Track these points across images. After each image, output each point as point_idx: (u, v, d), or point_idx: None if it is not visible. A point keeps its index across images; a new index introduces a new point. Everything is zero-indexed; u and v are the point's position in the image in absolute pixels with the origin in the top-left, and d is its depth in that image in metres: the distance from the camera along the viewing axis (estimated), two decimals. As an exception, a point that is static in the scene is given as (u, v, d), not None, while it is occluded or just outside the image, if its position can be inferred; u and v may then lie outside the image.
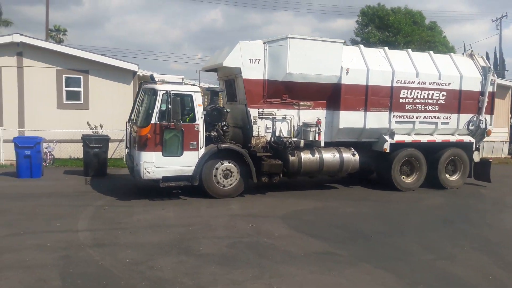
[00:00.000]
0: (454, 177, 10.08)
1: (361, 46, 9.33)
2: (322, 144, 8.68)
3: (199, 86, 9.30)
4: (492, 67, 9.84)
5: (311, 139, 8.78)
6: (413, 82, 9.48)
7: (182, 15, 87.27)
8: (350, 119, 9.13)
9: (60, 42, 32.73)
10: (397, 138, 9.43)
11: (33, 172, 9.73)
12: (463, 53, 10.25)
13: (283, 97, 9.00)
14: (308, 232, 5.96)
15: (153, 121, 8.23)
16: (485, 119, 10.16)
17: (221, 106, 8.91)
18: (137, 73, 11.76)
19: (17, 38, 12.12)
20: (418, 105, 9.56)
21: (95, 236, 5.81)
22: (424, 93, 9.62)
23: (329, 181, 9.55)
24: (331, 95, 8.97)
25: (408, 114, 9.57)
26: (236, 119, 8.81)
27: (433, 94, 9.72)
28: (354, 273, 4.59)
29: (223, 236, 5.76)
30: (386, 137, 9.32)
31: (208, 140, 8.12)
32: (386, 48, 9.64)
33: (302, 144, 8.60)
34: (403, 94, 9.51)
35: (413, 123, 9.52)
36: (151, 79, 8.68)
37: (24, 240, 5.59)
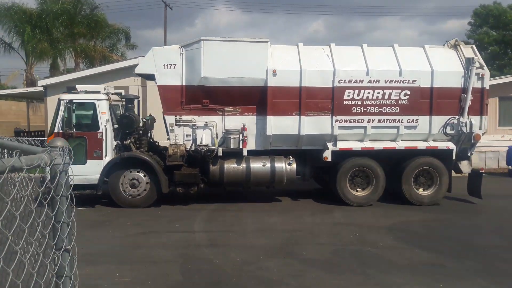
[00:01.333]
0: (427, 192, 9.87)
1: (301, 44, 9.91)
2: (245, 153, 9.41)
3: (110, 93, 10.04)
4: (477, 58, 10.04)
5: (232, 146, 9.25)
6: (361, 81, 9.49)
7: (285, 29, 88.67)
8: (280, 125, 9.45)
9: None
10: (342, 145, 9.57)
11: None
12: (444, 44, 10.45)
13: (204, 102, 9.47)
14: (415, 243, 7.04)
15: (56, 129, 9.21)
16: (470, 121, 9.75)
17: (134, 113, 9.79)
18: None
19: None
20: (369, 107, 9.54)
21: (209, 237, 7.53)
22: (378, 93, 9.50)
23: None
24: (260, 100, 9.51)
25: (356, 117, 9.58)
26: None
27: (390, 93, 9.55)
28: (466, 287, 5.27)
29: (326, 243, 7.10)
30: (330, 144, 9.60)
31: (127, 149, 9.18)
32: (333, 44, 9.96)
33: (220, 153, 9.34)
34: (348, 95, 9.48)
35: (364, 128, 9.58)
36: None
37: (150, 238, 7.37)
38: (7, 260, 1.91)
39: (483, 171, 10.08)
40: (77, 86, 9.94)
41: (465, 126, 9.63)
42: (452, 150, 9.70)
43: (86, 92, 9.71)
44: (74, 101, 9.29)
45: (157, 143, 10.37)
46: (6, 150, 2.27)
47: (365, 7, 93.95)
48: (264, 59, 9.38)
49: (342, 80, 9.44)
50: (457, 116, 9.76)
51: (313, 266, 6.04)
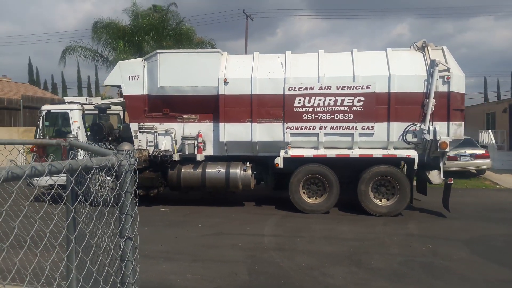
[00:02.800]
0: (388, 202, 9.35)
1: (256, 53, 10.15)
2: (199, 158, 9.78)
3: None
4: (440, 60, 9.20)
5: (187, 152, 9.68)
6: (312, 88, 9.37)
7: (367, 34, 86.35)
8: (233, 132, 9.66)
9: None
10: (294, 152, 9.47)
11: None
12: (410, 47, 9.80)
13: (165, 111, 9.98)
14: (493, 258, 6.71)
15: (37, 136, 10.54)
16: (434, 128, 9.04)
17: (105, 122, 10.53)
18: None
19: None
20: (321, 114, 9.41)
21: (277, 241, 7.68)
22: (330, 99, 9.35)
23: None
24: (214, 107, 9.81)
25: (308, 125, 9.47)
26: None
27: (343, 100, 9.33)
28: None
29: (396, 253, 7.00)
30: (282, 151, 9.56)
31: None
32: (288, 52, 10.00)
33: (176, 158, 9.85)
34: (299, 103, 9.40)
35: (317, 135, 9.45)
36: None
37: (222, 239, 7.76)
38: (80, 242, 2.36)
39: (451, 182, 9.24)
40: (65, 98, 11.67)
41: (428, 133, 8.96)
42: (413, 158, 9.07)
43: (70, 102, 11.00)
44: (51, 111, 10.71)
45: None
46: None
47: (454, 8, 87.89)
48: (216, 68, 9.65)
49: (292, 88, 9.35)
50: (417, 123, 9.12)
51: (379, 275, 5.97)
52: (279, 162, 9.43)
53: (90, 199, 2.44)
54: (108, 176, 8.74)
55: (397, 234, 8.26)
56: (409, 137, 9.22)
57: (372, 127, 9.28)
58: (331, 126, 9.39)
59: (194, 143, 9.73)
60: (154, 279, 5.67)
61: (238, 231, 8.39)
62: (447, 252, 7.04)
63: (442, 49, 9.53)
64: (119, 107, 12.08)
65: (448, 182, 9.22)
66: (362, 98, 9.27)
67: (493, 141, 20.05)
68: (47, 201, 2.17)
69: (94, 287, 2.32)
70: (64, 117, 10.91)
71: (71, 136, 3.31)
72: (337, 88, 9.34)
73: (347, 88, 9.30)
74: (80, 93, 44.34)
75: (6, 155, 3.28)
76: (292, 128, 9.47)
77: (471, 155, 15.18)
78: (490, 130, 21.23)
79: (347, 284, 5.61)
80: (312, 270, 6.14)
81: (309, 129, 9.46)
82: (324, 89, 9.36)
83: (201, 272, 6.00)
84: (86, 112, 11.32)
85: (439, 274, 6.06)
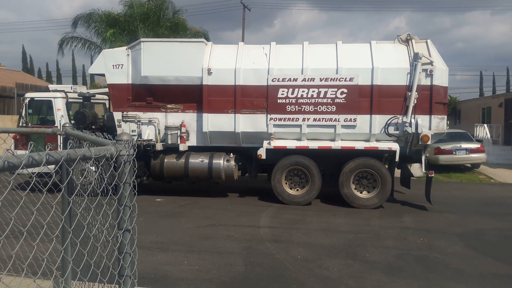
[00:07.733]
0: (369, 194, 9.43)
1: (241, 43, 10.20)
2: (181, 148, 9.78)
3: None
4: (424, 53, 9.18)
5: (170, 142, 9.72)
6: (295, 80, 9.37)
7: (365, 27, 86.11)
8: (216, 122, 9.66)
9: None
10: (277, 143, 9.50)
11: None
12: (395, 39, 9.80)
13: (148, 100, 9.92)
14: (487, 252, 6.77)
15: (20, 124, 10.48)
16: (416, 121, 9.07)
17: (89, 110, 10.47)
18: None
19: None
20: (304, 106, 9.38)
21: (273, 232, 7.71)
22: (313, 91, 9.32)
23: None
24: (198, 97, 9.80)
25: (291, 116, 9.49)
26: None
27: (326, 92, 9.30)
28: (538, 300, 5.60)
29: (391, 246, 7.02)
30: (265, 142, 9.58)
31: None
32: (273, 43, 9.91)
33: (159, 147, 9.81)
34: (282, 94, 9.39)
35: (300, 126, 9.45)
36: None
37: (218, 230, 7.79)
38: (77, 234, 2.33)
39: (432, 175, 9.29)
40: (49, 85, 11.69)
41: (410, 126, 8.98)
42: (395, 151, 9.13)
43: (55, 90, 10.93)
44: (35, 99, 10.63)
45: None
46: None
47: (451, 2, 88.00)
48: (200, 58, 9.58)
49: (276, 79, 9.34)
50: (400, 116, 9.12)
51: (374, 268, 5.97)
52: (262, 153, 9.45)
53: (76, 190, 2.41)
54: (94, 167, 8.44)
55: (392, 227, 8.27)
56: (391, 130, 9.25)
57: (355, 119, 9.31)
58: (314, 118, 9.43)
59: (177, 133, 9.77)
60: (149, 270, 5.66)
61: (234, 223, 8.40)
62: (442, 246, 7.05)
63: (426, 42, 9.52)
64: (105, 96, 11.99)
65: (429, 175, 9.26)
66: (345, 90, 9.26)
67: (488, 135, 20.19)
68: (44, 191, 2.13)
69: (91, 280, 2.30)
70: (48, 105, 10.95)
71: (67, 125, 3.26)
72: (321, 80, 9.33)
73: (330, 80, 9.28)
74: (74, 82, 44.00)
75: (0, 144, 3.24)
76: (275, 119, 9.51)
77: (466, 149, 15.29)
78: (485, 125, 21.42)
79: (343, 276, 5.62)
80: (308, 262, 6.16)
81: (292, 121, 9.50)
82: (308, 80, 9.37)
83: (196, 263, 6.01)
84: (70, 100, 11.30)
85: (434, 268, 6.06)
